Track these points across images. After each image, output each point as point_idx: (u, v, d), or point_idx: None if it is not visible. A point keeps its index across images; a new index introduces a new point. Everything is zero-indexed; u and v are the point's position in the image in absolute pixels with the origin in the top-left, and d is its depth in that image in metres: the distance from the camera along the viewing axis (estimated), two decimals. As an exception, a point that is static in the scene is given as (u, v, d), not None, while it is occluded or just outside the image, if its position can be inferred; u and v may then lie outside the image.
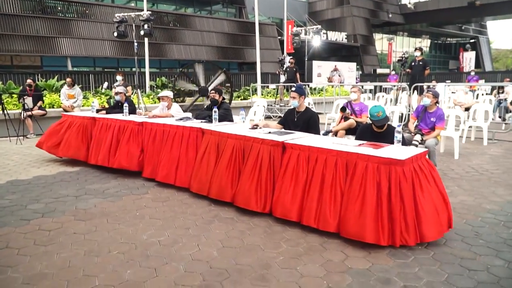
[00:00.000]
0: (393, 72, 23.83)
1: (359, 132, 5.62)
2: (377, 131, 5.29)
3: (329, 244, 4.22)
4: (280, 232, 4.55)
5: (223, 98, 7.40)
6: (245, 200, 5.09)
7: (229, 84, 15.03)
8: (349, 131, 7.40)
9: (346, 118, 7.63)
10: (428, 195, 4.14)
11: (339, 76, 32.31)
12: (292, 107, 6.27)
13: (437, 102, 6.99)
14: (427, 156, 4.63)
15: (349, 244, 4.20)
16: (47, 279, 3.50)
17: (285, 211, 4.72)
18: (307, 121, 6.04)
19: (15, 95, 13.02)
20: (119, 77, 12.61)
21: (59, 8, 24.43)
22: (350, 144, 4.74)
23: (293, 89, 6.21)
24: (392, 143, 4.74)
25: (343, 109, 7.59)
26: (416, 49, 13.33)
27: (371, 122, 5.42)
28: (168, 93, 8.14)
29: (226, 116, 7.07)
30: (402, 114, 11.15)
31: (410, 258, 3.90)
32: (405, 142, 4.97)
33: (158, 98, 8.61)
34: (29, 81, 12.05)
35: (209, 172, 5.67)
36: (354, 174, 4.25)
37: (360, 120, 7.48)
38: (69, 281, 3.46)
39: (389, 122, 5.43)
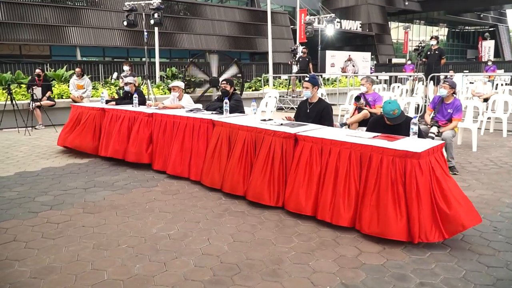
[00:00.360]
0: (409, 62, 23.62)
1: (371, 124, 5.51)
2: (390, 123, 5.21)
3: (342, 239, 4.20)
4: (292, 227, 4.53)
5: (234, 89, 7.37)
6: (257, 194, 5.08)
7: (240, 75, 14.99)
8: (362, 122, 7.35)
9: (360, 109, 7.57)
10: (445, 189, 4.08)
11: (353, 66, 32.08)
12: (304, 98, 6.24)
13: (454, 93, 6.90)
14: (443, 149, 4.58)
15: (363, 239, 4.17)
16: (55, 272, 3.52)
17: (299, 205, 4.70)
18: (320, 113, 6.00)
19: (23, 85, 13.10)
20: (126, 67, 12.62)
21: (68, -3, 24.55)
22: (364, 136, 4.70)
23: (307, 79, 6.17)
24: (406, 135, 4.68)
25: (357, 99, 7.51)
26: (431, 37, 13.18)
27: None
28: (179, 83, 8.13)
29: (237, 108, 7.04)
30: (418, 105, 11.06)
31: (426, 254, 3.86)
32: (422, 134, 4.90)
33: (169, 89, 8.61)
34: (37, 71, 12.11)
35: (222, 166, 5.67)
36: (370, 168, 4.22)
37: (373, 111, 7.40)
38: (77, 275, 3.48)
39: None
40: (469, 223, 4.02)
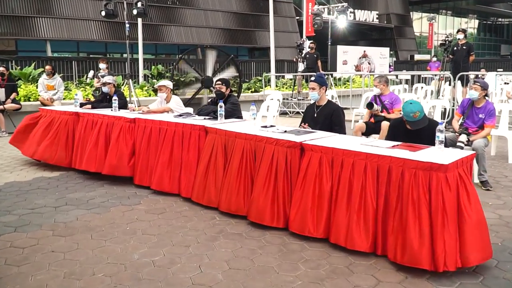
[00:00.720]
0: (434, 59, 23.68)
1: (391, 128, 5.53)
2: (410, 127, 5.21)
3: (357, 267, 4.18)
4: (297, 251, 4.52)
5: (231, 91, 7.38)
6: (260, 214, 5.06)
7: (237, 74, 15.02)
8: (373, 130, 7.34)
9: (375, 116, 7.56)
10: (473, 208, 4.07)
11: (369, 63, 32.19)
12: (312, 101, 6.24)
13: (486, 95, 6.90)
14: (474, 161, 4.57)
15: (381, 266, 4.15)
16: (20, 306, 3.50)
17: (306, 227, 4.69)
18: (329, 117, 6.01)
19: (-16, 86, 13.10)
20: (102, 65, 12.65)
21: (37, -17, 24.62)
22: (382, 146, 4.69)
23: (312, 78, 6.19)
24: (430, 144, 4.67)
25: (369, 106, 7.48)
26: (458, 31, 13.23)
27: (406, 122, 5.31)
28: (167, 82, 8.14)
29: (234, 112, 7.05)
30: (445, 109, 11.07)
31: (455, 284, 3.84)
32: (446, 144, 4.89)
33: (154, 90, 8.63)
34: (1, 69, 12.11)
35: (218, 181, 5.66)
36: (389, 183, 4.21)
37: (391, 116, 7.40)
38: (45, 308, 3.46)
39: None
40: (480, 257, 4.02)
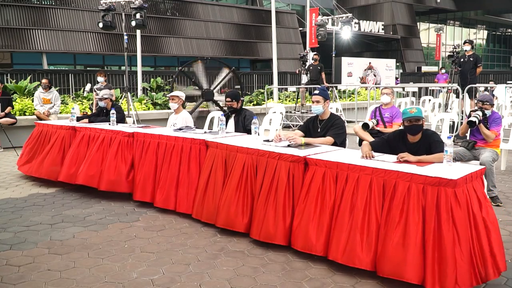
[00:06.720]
0: (442, 71, 23.76)
1: (391, 138, 5.41)
2: (412, 140, 5.15)
3: (363, 285, 4.17)
4: (301, 270, 4.52)
5: (242, 101, 7.35)
6: (261, 230, 5.06)
7: (238, 86, 15.05)
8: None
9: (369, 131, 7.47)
10: (482, 227, 4.08)
11: (375, 75, 32.25)
12: (314, 114, 6.25)
13: (492, 105, 6.96)
14: (483, 176, 4.57)
15: (388, 285, 4.15)
16: (15, 326, 3.50)
17: (309, 244, 4.68)
18: (330, 128, 6.03)
19: (-22, 100, 13.14)
20: (100, 78, 12.69)
21: (33, -6, 24.76)
22: (388, 160, 4.70)
23: (316, 91, 6.18)
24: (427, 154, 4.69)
25: (365, 126, 7.41)
26: (465, 42, 13.30)
27: (403, 128, 5.26)
28: (180, 93, 8.15)
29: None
30: (453, 122, 11.07)
31: (464, 303, 3.83)
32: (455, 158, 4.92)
33: (153, 103, 8.61)
34: (-4, 82, 12.17)
35: (216, 196, 5.67)
36: (394, 198, 4.20)
37: (387, 130, 7.38)
38: (41, 329, 3.46)
39: (425, 127, 5.24)
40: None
